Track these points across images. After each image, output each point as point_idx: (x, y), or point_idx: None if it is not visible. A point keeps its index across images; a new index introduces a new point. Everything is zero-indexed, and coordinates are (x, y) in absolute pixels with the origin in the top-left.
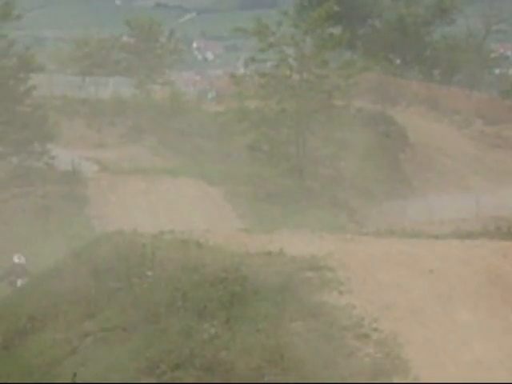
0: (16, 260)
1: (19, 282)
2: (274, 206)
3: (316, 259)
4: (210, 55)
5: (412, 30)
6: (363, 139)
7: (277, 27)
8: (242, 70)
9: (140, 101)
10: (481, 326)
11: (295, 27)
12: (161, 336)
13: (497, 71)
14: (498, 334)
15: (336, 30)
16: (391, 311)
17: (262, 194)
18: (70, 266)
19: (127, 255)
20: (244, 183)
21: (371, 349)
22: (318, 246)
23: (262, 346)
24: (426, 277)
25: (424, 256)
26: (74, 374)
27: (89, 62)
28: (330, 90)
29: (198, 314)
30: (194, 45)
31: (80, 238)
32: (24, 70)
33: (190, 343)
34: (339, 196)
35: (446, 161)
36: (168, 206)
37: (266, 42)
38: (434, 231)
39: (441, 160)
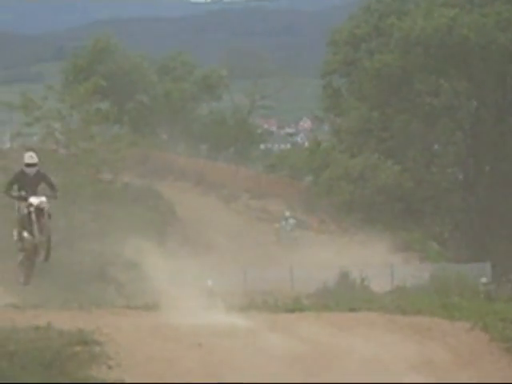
0: None
1: None
2: (43, 280)
3: (84, 334)
4: None
5: (179, 106)
6: (131, 213)
7: (43, 101)
8: (8, 145)
9: None
10: None
11: (62, 102)
12: None
13: (262, 146)
14: None
15: (103, 105)
16: None
17: None
18: None
19: None
20: (11, 257)
21: None
22: (86, 320)
23: None
24: (194, 350)
25: (193, 329)
26: None
27: None
28: (97, 165)
29: None
30: None
31: None
32: None
33: None
34: (108, 270)
35: (213, 234)
36: None
37: (31, 117)
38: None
39: (208, 234)
